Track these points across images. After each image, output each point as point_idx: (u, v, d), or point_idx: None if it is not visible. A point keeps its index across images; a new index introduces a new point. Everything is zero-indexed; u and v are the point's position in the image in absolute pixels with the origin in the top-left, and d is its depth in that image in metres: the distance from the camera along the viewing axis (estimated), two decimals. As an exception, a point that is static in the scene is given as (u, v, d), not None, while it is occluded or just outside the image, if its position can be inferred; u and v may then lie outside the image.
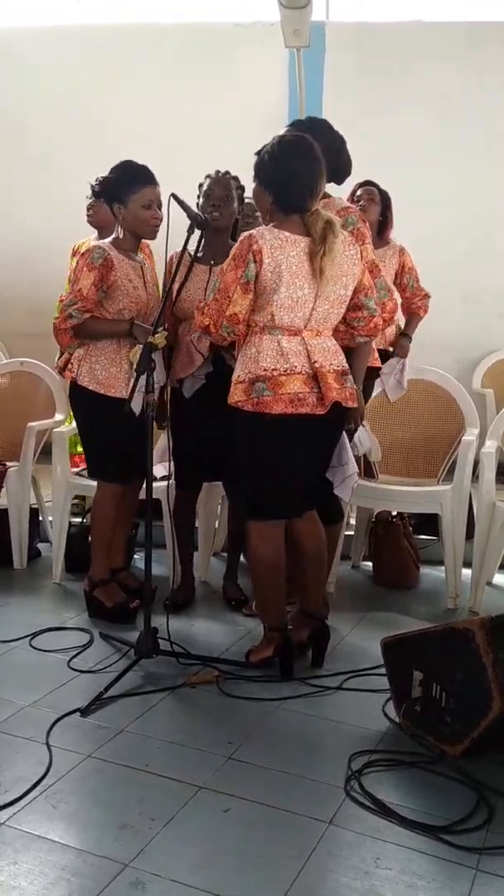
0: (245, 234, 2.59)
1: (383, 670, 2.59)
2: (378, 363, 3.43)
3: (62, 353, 3.21)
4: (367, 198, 4.03)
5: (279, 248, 2.54)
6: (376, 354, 3.42)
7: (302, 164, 2.58)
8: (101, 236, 3.72)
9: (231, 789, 2.16)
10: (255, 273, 2.53)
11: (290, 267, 2.55)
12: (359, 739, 2.42)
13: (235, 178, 3.18)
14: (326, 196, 2.90)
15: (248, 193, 3.69)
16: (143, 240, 3.19)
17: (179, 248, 3.06)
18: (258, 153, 2.67)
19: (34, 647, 2.99)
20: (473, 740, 2.25)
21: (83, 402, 3.15)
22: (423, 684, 2.40)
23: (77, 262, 3.09)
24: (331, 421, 2.71)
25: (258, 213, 3.67)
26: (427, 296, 4.19)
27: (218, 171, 3.17)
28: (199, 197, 3.15)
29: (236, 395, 2.64)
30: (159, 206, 3.05)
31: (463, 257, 5.52)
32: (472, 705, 2.24)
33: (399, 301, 3.79)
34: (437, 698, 2.35)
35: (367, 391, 3.25)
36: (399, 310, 3.72)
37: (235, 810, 2.08)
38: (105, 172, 3.11)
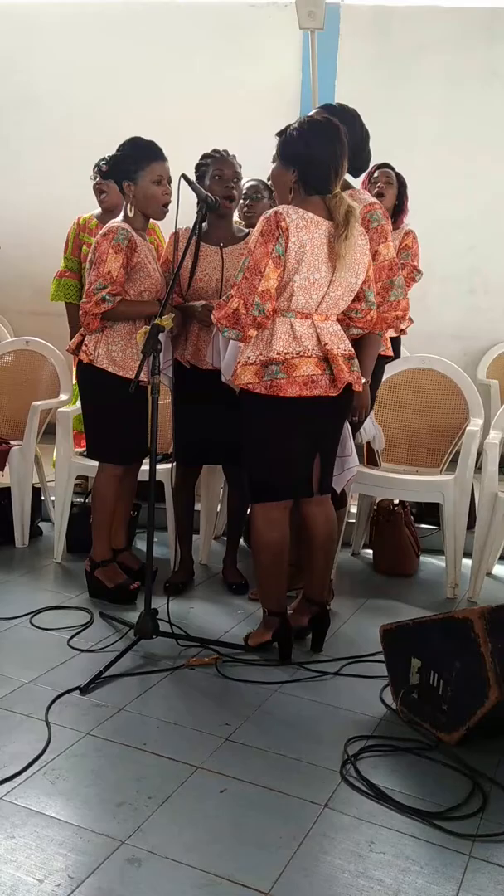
0: (269, 210, 2.56)
1: (381, 657, 2.61)
2: (390, 352, 3.41)
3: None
4: (385, 180, 3.98)
5: (304, 228, 2.53)
6: (389, 344, 3.39)
7: (330, 144, 2.57)
8: (110, 215, 3.67)
9: (228, 770, 2.17)
10: (284, 249, 2.51)
11: (313, 249, 2.54)
12: (355, 725, 2.43)
13: (234, 157, 3.13)
14: (350, 187, 2.89)
15: (258, 175, 3.69)
16: (157, 223, 3.12)
17: (187, 230, 3.03)
18: (282, 133, 2.64)
19: (34, 626, 3.01)
20: (469, 729, 2.27)
21: (99, 383, 3.10)
22: (420, 672, 2.41)
23: (98, 244, 3.01)
24: (341, 403, 2.72)
25: (258, 196, 3.65)
26: (415, 268, 3.99)
27: (217, 151, 3.10)
28: (200, 178, 3.07)
29: (245, 377, 2.63)
30: (169, 182, 3.01)
31: (470, 248, 5.50)
32: (469, 694, 2.25)
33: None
34: (435, 686, 2.36)
35: (376, 379, 3.23)
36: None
37: (231, 791, 2.09)
38: (112, 152, 3.08)
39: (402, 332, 3.42)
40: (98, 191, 3.97)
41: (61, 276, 4.22)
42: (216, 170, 3.07)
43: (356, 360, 2.74)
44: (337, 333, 2.70)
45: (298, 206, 2.58)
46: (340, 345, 2.69)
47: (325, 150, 2.56)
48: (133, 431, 3.06)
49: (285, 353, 2.58)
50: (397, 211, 4.05)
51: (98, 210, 4.07)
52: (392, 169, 4.03)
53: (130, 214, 3.07)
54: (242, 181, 3.24)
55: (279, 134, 2.65)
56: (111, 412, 3.15)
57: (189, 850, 1.87)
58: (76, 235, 4.13)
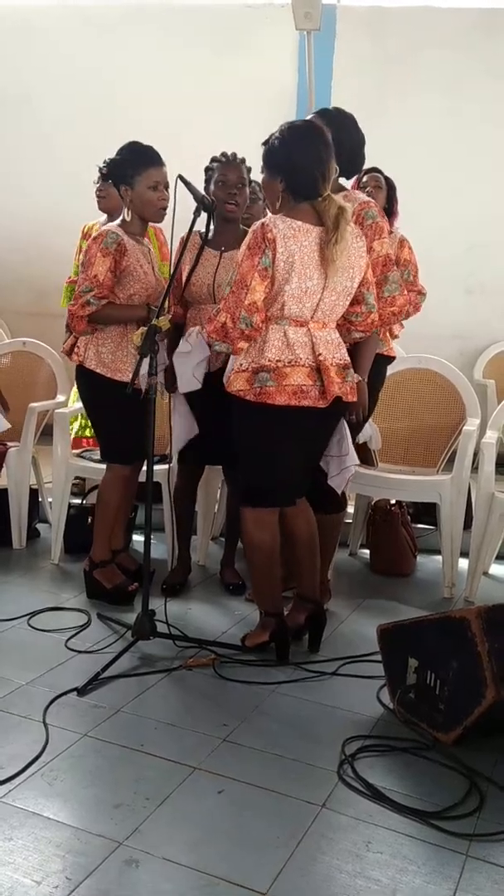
0: (257, 222, 2.57)
1: (378, 657, 2.61)
2: (393, 353, 3.40)
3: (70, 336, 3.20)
4: (374, 184, 3.98)
5: (292, 237, 2.52)
6: (391, 344, 3.39)
7: (312, 148, 2.56)
8: (111, 220, 3.69)
9: (225, 771, 2.17)
10: (270, 261, 2.51)
11: (302, 257, 2.53)
12: (353, 725, 2.43)
13: (243, 160, 3.13)
14: (344, 189, 2.88)
15: (254, 177, 3.68)
16: (157, 225, 3.15)
17: (186, 231, 3.03)
18: (266, 142, 2.64)
19: (32, 627, 3.01)
20: (466, 728, 2.27)
21: (90, 385, 3.14)
22: (417, 672, 2.42)
23: (89, 247, 3.03)
24: (330, 414, 2.71)
25: (254, 197, 3.65)
26: (420, 292, 3.96)
27: (225, 154, 3.11)
28: (207, 182, 3.10)
29: (237, 384, 2.62)
30: (166, 188, 3.02)
31: (467, 248, 5.51)
32: (466, 693, 2.26)
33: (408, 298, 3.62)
34: (432, 686, 2.37)
35: (379, 379, 3.21)
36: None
37: (229, 792, 2.10)
38: (114, 154, 3.09)
39: (394, 336, 3.41)
40: (97, 191, 4.02)
41: (70, 283, 4.31)
42: (220, 174, 3.07)
43: (351, 370, 2.74)
44: (334, 342, 2.69)
45: (288, 214, 2.57)
46: (336, 354, 2.68)
47: (307, 156, 2.55)
48: (131, 431, 3.06)
49: (277, 361, 2.58)
50: (387, 214, 4.04)
51: (104, 217, 4.11)
52: (381, 173, 4.02)
53: (128, 219, 3.09)
54: None
55: (264, 144, 2.65)
56: (106, 413, 3.17)
57: (187, 850, 1.87)
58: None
